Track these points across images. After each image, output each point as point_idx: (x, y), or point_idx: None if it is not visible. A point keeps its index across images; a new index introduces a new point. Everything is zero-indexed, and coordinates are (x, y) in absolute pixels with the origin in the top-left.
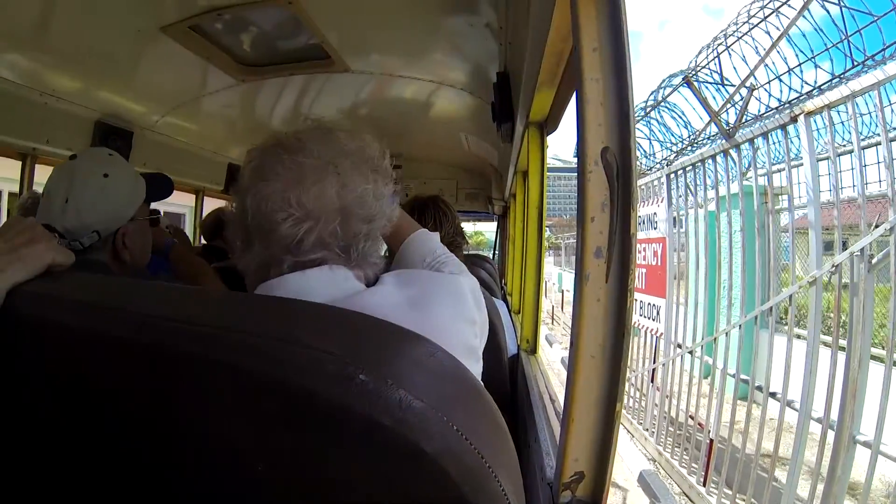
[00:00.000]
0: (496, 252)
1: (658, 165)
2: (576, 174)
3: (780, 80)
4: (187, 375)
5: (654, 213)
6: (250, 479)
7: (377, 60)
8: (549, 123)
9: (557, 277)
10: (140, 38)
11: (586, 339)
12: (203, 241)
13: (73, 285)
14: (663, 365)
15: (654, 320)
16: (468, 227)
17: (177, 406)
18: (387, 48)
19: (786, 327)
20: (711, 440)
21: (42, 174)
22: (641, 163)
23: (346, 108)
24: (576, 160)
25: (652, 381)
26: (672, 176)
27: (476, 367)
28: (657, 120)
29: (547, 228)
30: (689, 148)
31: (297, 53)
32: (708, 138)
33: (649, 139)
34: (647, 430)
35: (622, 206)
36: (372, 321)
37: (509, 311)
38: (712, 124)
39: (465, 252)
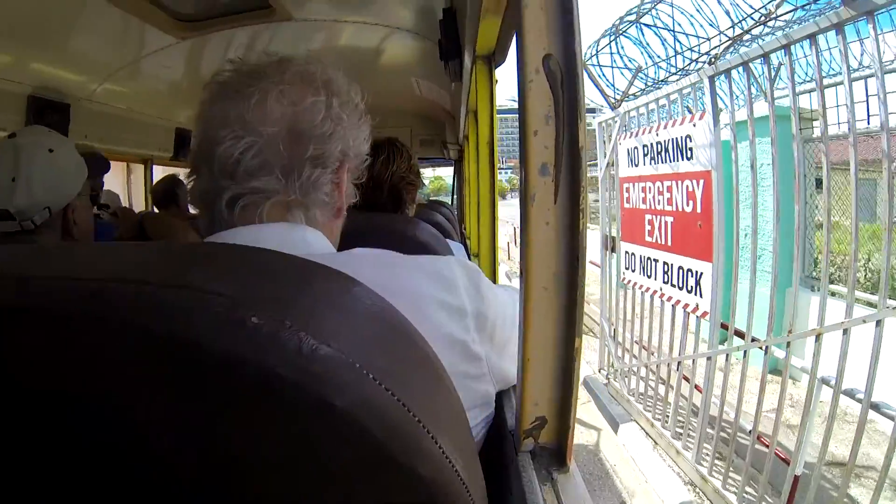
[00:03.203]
0: (454, 197)
1: (691, 65)
2: None
3: None
4: (75, 337)
5: (688, 136)
6: (145, 449)
7: (319, 6)
8: (496, 55)
9: None
10: (68, 1)
11: (536, 269)
12: (155, 210)
13: None
14: (709, 358)
15: (690, 292)
16: (428, 172)
17: (68, 373)
18: None
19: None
20: (797, 476)
21: None
22: (662, 66)
23: None
24: None
25: (685, 378)
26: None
27: (472, 367)
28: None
29: (509, 170)
30: (743, 38)
31: (236, 4)
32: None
33: (673, 30)
34: (675, 436)
35: (568, 118)
36: (284, 258)
37: (468, 254)
38: None
39: (424, 198)
